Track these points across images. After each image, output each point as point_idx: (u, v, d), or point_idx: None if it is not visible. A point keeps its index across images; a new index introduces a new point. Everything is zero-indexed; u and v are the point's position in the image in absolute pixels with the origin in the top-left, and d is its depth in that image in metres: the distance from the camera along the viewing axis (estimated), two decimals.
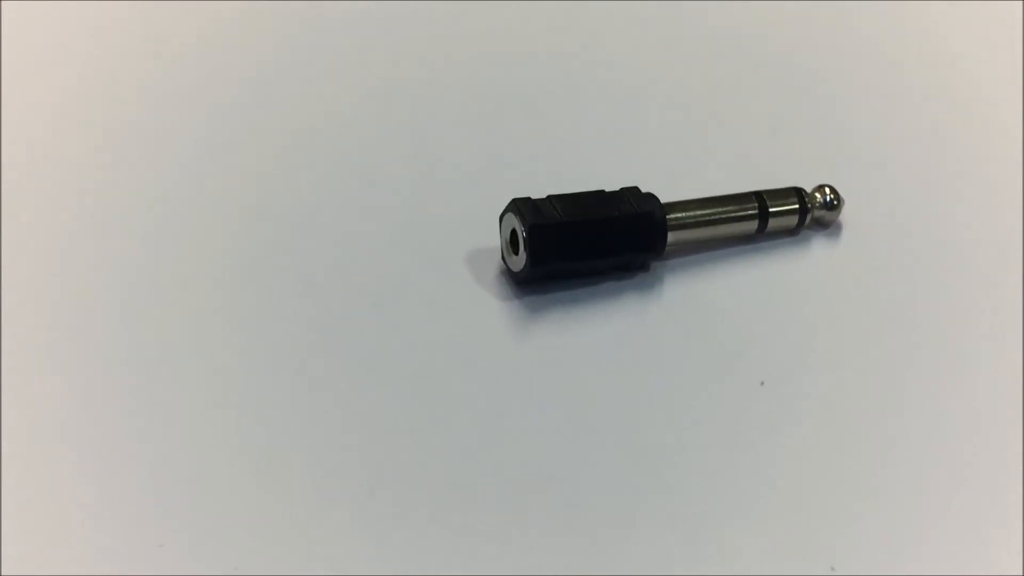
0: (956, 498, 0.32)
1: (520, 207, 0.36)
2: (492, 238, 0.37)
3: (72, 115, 0.42)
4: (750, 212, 0.38)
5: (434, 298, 0.36)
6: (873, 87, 0.45)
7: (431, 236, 0.38)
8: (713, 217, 0.38)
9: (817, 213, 0.39)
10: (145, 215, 0.38)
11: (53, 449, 0.32)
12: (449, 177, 0.40)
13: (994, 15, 0.48)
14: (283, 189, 0.40)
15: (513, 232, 0.36)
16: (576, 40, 0.47)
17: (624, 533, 0.31)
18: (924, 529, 0.31)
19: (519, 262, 0.36)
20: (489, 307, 0.36)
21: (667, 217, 0.37)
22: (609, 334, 0.36)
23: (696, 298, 0.37)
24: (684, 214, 0.37)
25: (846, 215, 0.39)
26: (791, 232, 0.39)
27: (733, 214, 0.38)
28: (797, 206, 0.38)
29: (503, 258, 0.37)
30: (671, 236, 0.37)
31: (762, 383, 0.34)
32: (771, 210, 0.38)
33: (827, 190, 0.39)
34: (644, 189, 0.37)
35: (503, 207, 0.36)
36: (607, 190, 0.37)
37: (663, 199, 0.37)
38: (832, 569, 0.30)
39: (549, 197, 0.36)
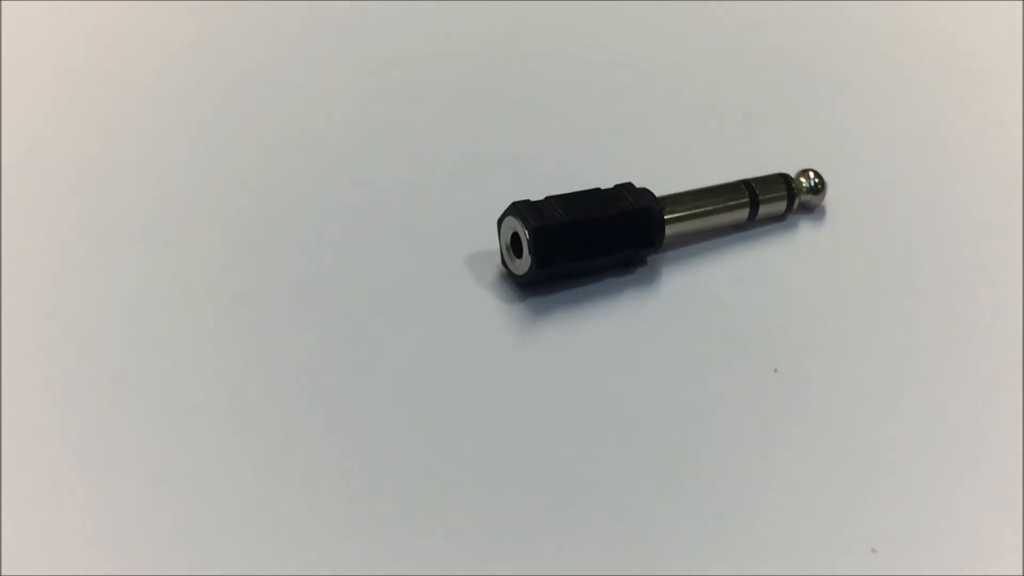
0: (970, 470, 0.33)
1: (521, 210, 0.35)
2: (490, 241, 0.37)
3: (72, 115, 0.42)
4: (741, 201, 0.38)
5: (439, 305, 0.36)
6: (842, 69, 0.46)
7: (429, 241, 0.38)
8: (706, 209, 0.38)
9: (803, 198, 0.39)
10: (145, 216, 0.38)
11: (53, 449, 0.31)
12: (440, 180, 0.40)
13: None
14: (283, 190, 0.40)
15: (514, 236, 0.36)
16: (553, 39, 0.47)
17: (660, 530, 0.31)
18: (957, 508, 0.32)
19: (523, 265, 0.36)
20: (495, 311, 0.36)
21: (663, 211, 0.37)
22: (616, 331, 0.36)
23: (696, 290, 0.37)
24: (679, 207, 0.37)
25: (826, 199, 0.40)
26: (779, 218, 0.39)
27: (725, 204, 0.38)
28: (785, 192, 0.39)
29: (503, 262, 0.37)
30: (668, 229, 0.37)
31: (776, 370, 0.35)
32: (761, 198, 0.38)
33: (811, 174, 0.40)
34: (622, 181, 0.37)
35: (492, 208, 0.36)
36: (601, 188, 0.37)
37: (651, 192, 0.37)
38: (873, 551, 0.30)
39: (548, 198, 0.36)
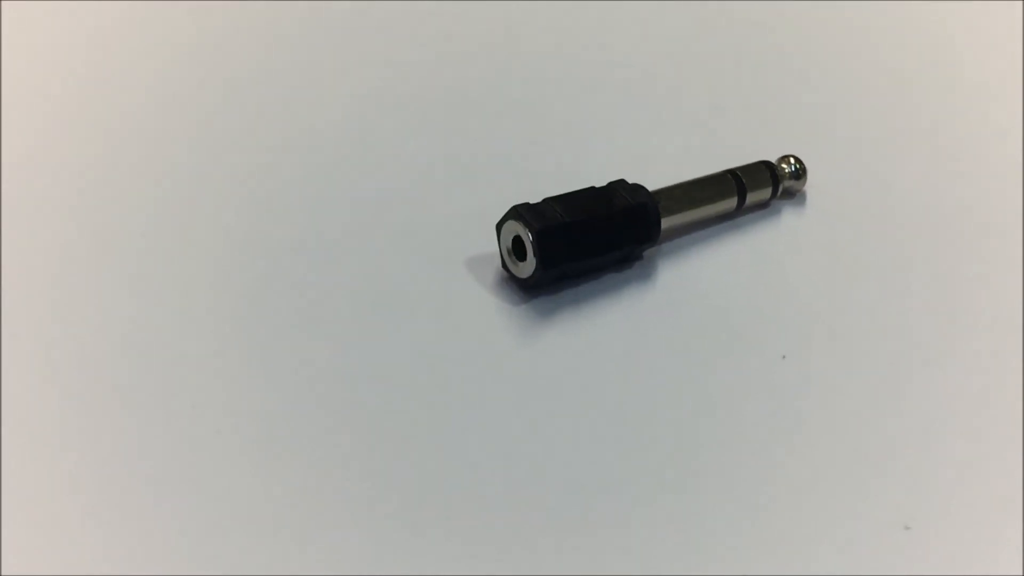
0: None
1: (522, 213, 0.35)
2: (487, 243, 0.37)
3: (72, 115, 0.42)
4: (730, 191, 0.39)
5: (444, 309, 0.36)
6: (807, 56, 0.47)
7: (426, 245, 0.38)
8: (698, 200, 0.38)
9: (786, 183, 0.40)
10: (144, 218, 0.38)
11: (53, 449, 0.31)
12: (431, 182, 0.40)
13: None
14: (282, 192, 0.39)
15: (516, 239, 0.36)
16: (528, 40, 0.47)
17: (692, 522, 0.31)
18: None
19: (527, 268, 0.35)
20: (501, 313, 0.36)
21: (658, 205, 0.37)
22: (623, 328, 0.36)
23: (694, 283, 0.38)
24: (672, 201, 0.38)
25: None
26: (764, 205, 0.40)
27: (715, 195, 0.39)
28: (770, 179, 0.39)
29: (504, 266, 0.36)
30: (663, 223, 0.37)
31: (784, 356, 0.35)
32: (747, 185, 0.39)
33: (792, 160, 0.40)
34: (614, 177, 0.37)
35: (478, 210, 0.36)
36: (595, 186, 0.37)
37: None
38: (907, 527, 0.31)
39: (546, 200, 0.36)
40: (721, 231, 0.39)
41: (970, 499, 0.31)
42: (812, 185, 0.41)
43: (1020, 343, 0.35)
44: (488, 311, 0.36)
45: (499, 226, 0.36)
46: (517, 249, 0.36)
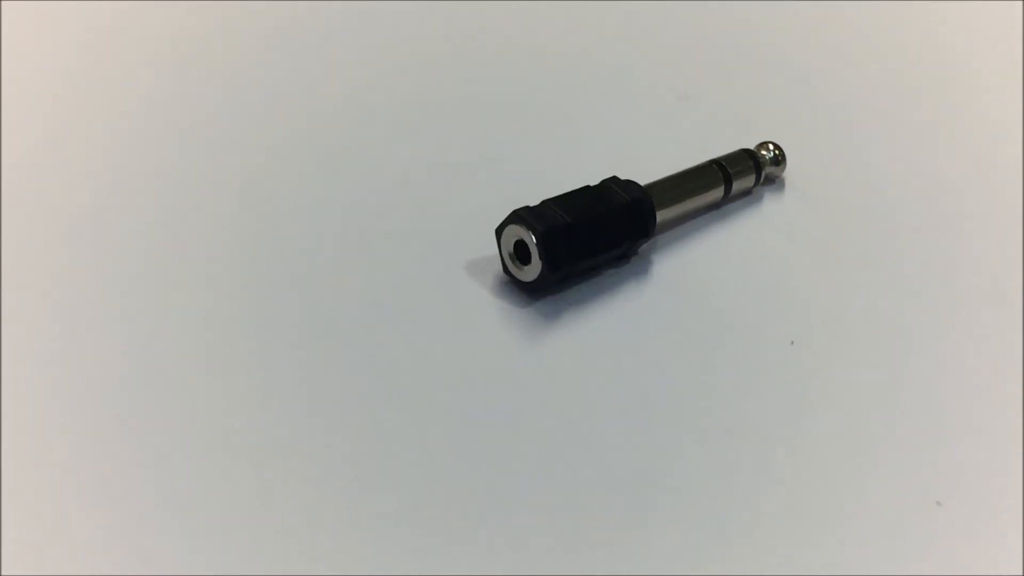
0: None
1: (524, 216, 0.35)
2: (485, 246, 0.37)
3: (72, 115, 0.42)
4: (716, 180, 0.39)
5: (449, 314, 0.35)
6: (774, 44, 0.48)
7: (427, 249, 0.37)
8: (687, 192, 0.38)
9: (768, 170, 0.40)
10: (145, 220, 0.38)
11: (53, 449, 0.31)
12: (428, 185, 0.40)
13: None
14: (282, 194, 0.39)
15: (519, 243, 0.35)
16: (509, 40, 0.46)
17: (725, 497, 0.31)
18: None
19: (531, 271, 0.35)
20: (507, 316, 0.36)
21: (652, 200, 0.37)
22: (629, 326, 0.36)
23: (690, 275, 0.38)
24: (663, 194, 0.38)
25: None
26: (747, 193, 0.40)
27: (703, 185, 0.39)
28: (752, 166, 0.40)
29: (505, 270, 0.36)
30: (657, 217, 0.37)
31: (792, 342, 0.35)
32: (732, 174, 0.39)
33: (771, 146, 0.41)
34: (600, 174, 0.37)
35: (473, 213, 0.36)
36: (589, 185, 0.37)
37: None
38: (938, 504, 0.31)
39: (545, 202, 0.36)
40: (708, 221, 0.40)
41: (1001, 471, 0.32)
42: (788, 172, 0.41)
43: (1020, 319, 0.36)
44: (493, 314, 0.36)
45: (499, 231, 0.36)
46: (520, 253, 0.35)
